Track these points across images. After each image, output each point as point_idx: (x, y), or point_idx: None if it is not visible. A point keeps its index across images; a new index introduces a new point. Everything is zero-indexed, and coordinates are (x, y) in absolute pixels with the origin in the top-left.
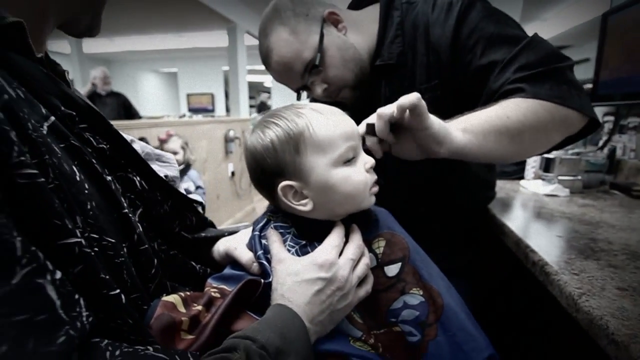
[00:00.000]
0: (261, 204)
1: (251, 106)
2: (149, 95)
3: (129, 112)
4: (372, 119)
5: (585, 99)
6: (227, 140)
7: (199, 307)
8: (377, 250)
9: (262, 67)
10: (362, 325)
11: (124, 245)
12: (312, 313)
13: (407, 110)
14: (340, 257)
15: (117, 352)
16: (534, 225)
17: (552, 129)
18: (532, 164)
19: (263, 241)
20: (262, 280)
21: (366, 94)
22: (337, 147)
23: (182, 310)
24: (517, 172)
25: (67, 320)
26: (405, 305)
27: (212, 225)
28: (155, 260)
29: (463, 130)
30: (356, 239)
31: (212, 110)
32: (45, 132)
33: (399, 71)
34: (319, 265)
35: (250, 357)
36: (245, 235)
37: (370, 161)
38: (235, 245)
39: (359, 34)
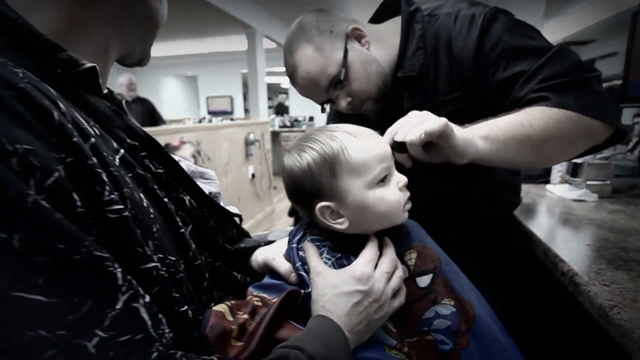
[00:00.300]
0: (280, 205)
1: (269, 107)
2: (171, 99)
3: (152, 117)
4: (396, 130)
5: (611, 109)
6: (248, 143)
7: (245, 316)
8: (409, 262)
9: (280, 69)
10: (396, 334)
11: (181, 262)
12: (351, 323)
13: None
14: (375, 270)
15: None
16: (561, 232)
17: (575, 138)
18: (559, 167)
19: (300, 253)
20: (302, 291)
21: (388, 106)
22: (372, 170)
23: (230, 318)
24: (542, 175)
25: (157, 337)
26: (437, 315)
27: (248, 235)
28: (207, 274)
29: (484, 138)
30: (390, 253)
31: (231, 113)
32: (117, 164)
33: (421, 83)
34: (357, 278)
35: None
36: (281, 246)
37: (403, 180)
38: (274, 255)
39: (382, 47)
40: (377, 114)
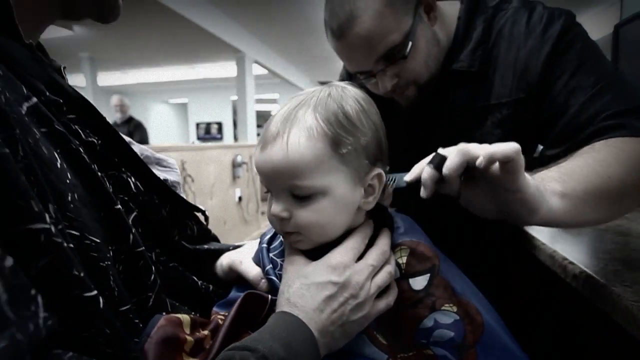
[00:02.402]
0: None
1: (258, 134)
2: (160, 125)
3: (140, 133)
4: (448, 152)
5: None
6: (235, 165)
7: (206, 332)
8: (400, 260)
9: (270, 97)
10: (387, 348)
11: (111, 247)
12: (321, 322)
13: (497, 162)
14: (358, 261)
15: None
16: (564, 237)
17: None
18: None
19: (271, 254)
20: (270, 297)
21: (429, 98)
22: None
23: (188, 331)
24: None
25: (15, 320)
26: (437, 325)
27: (216, 239)
28: (154, 268)
29: (561, 195)
30: (382, 244)
31: (221, 139)
32: (24, 112)
33: (476, 80)
34: (332, 267)
35: None
36: (251, 248)
37: (272, 211)
38: (241, 259)
39: (442, 29)
40: (412, 102)
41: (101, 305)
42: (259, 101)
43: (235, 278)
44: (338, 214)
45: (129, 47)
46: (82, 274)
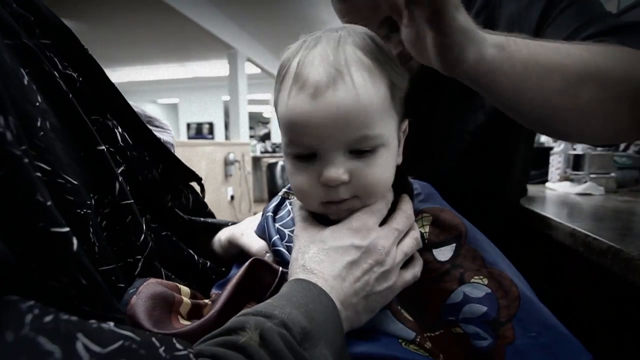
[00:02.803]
0: None
1: (251, 136)
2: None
3: None
4: None
5: None
6: (227, 163)
7: (206, 300)
8: (422, 230)
9: (263, 97)
10: (413, 324)
11: (92, 196)
12: (343, 292)
13: None
14: (382, 226)
15: (48, 318)
16: (582, 218)
17: (627, 96)
18: (556, 165)
19: (278, 225)
20: (280, 268)
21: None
22: (286, 132)
23: (186, 298)
24: (539, 175)
25: None
26: (467, 299)
27: (212, 215)
28: (144, 227)
29: (500, 48)
30: (406, 208)
31: (212, 138)
32: None
33: None
34: (354, 230)
35: (265, 337)
36: (252, 222)
37: (327, 176)
38: (242, 231)
39: None
40: (415, 73)
41: (75, 248)
42: (251, 102)
43: (236, 254)
44: (393, 168)
45: (116, 44)
46: (49, 203)
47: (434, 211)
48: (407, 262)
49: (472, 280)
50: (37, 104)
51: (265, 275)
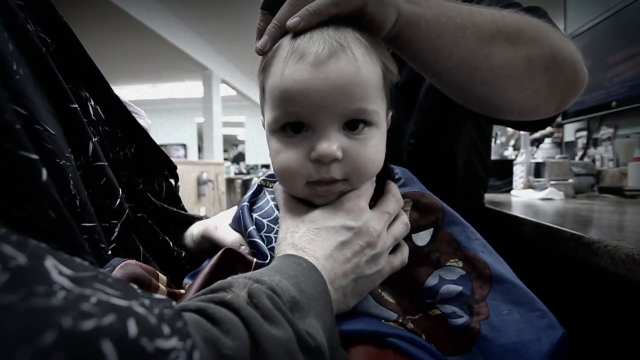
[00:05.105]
0: None
1: (225, 159)
2: None
3: None
4: None
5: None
6: (200, 182)
7: (182, 290)
8: None
9: (237, 119)
10: (395, 306)
11: (68, 154)
12: (333, 272)
13: None
14: (373, 209)
15: (15, 237)
16: (546, 216)
17: (538, 60)
18: (520, 174)
19: (255, 215)
20: (255, 259)
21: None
22: (275, 105)
23: (162, 286)
24: (505, 185)
25: None
26: (442, 281)
27: (184, 210)
28: (120, 191)
29: (413, 2)
30: (395, 192)
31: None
32: None
33: None
34: (346, 210)
35: (253, 295)
36: (226, 215)
37: (321, 150)
38: (216, 224)
39: None
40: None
41: (44, 178)
42: (225, 124)
43: (209, 248)
44: (383, 153)
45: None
46: (17, 126)
47: (414, 195)
48: (395, 248)
49: (448, 263)
50: (10, 49)
51: (239, 266)
